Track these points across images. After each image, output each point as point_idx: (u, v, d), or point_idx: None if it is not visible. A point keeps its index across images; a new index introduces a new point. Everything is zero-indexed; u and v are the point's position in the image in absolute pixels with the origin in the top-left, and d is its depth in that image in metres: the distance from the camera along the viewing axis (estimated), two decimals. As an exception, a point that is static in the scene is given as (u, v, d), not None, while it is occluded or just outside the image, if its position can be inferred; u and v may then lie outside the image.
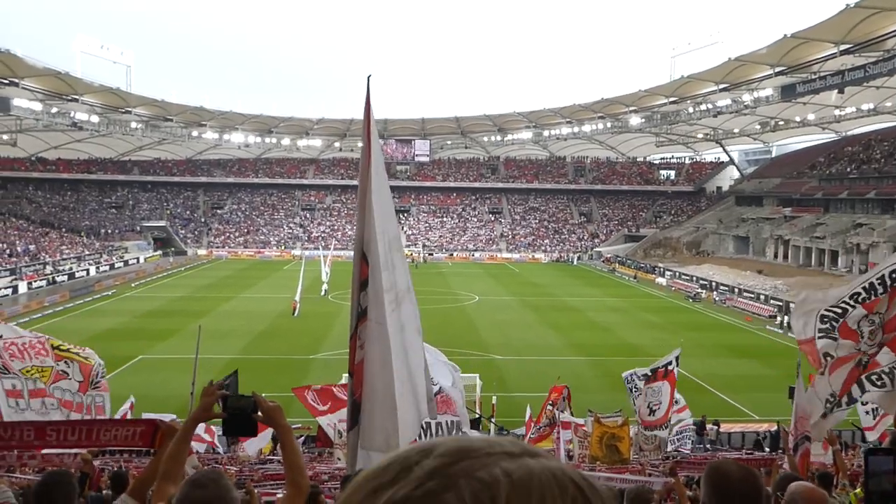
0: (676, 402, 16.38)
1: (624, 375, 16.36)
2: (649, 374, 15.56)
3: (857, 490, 6.36)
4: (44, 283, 53.83)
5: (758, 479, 2.45)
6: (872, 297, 8.42)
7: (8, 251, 59.22)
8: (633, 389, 15.82)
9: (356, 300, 4.20)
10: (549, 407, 17.17)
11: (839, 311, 8.60)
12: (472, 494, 0.68)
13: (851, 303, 8.57)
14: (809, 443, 9.18)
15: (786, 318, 42.62)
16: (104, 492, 7.31)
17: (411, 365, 4.36)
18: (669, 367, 15.34)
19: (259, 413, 2.85)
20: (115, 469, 9.65)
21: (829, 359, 8.43)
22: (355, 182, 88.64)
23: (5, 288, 49.57)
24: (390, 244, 4.25)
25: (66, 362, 12.00)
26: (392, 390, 4.11)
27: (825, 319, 8.67)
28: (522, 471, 0.71)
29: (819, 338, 8.63)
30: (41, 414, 11.15)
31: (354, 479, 0.77)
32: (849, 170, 66.79)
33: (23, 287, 51.18)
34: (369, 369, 4.09)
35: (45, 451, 9.38)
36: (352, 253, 4.61)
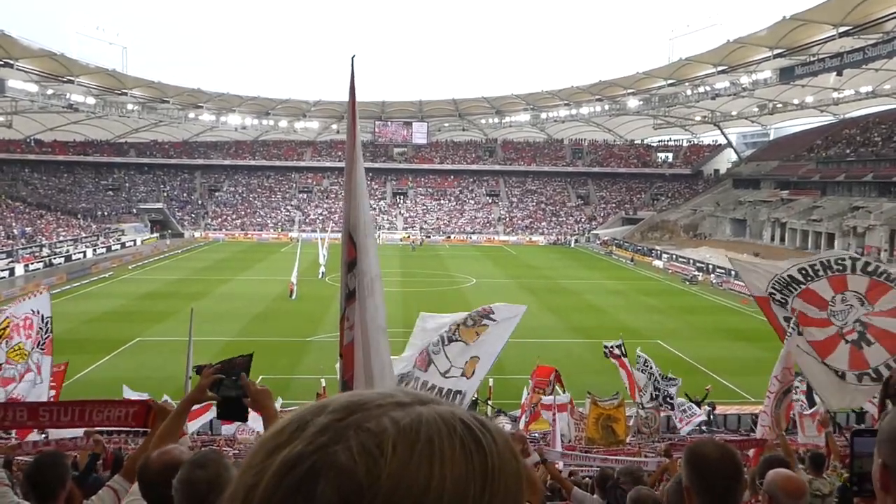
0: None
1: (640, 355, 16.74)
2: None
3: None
4: (40, 265, 53.78)
5: (735, 457, 2.47)
6: (811, 283, 9.47)
7: (4, 234, 59.12)
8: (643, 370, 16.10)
9: (344, 282, 4.21)
10: (536, 391, 17.20)
11: (785, 286, 9.62)
12: (359, 444, 0.71)
13: (794, 285, 9.61)
14: (789, 395, 9.51)
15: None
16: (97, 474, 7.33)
17: (383, 355, 4.39)
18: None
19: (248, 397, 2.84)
20: (113, 450, 9.68)
21: (790, 325, 9.36)
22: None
23: (2, 270, 49.55)
24: (366, 227, 4.26)
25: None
26: (374, 372, 4.14)
27: (776, 288, 9.67)
28: (410, 417, 0.74)
29: (773, 300, 9.63)
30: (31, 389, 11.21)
31: (257, 441, 0.78)
32: (846, 153, 66.74)
33: (20, 269, 51.13)
34: (357, 351, 4.11)
35: (58, 436, 9.39)
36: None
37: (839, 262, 9.33)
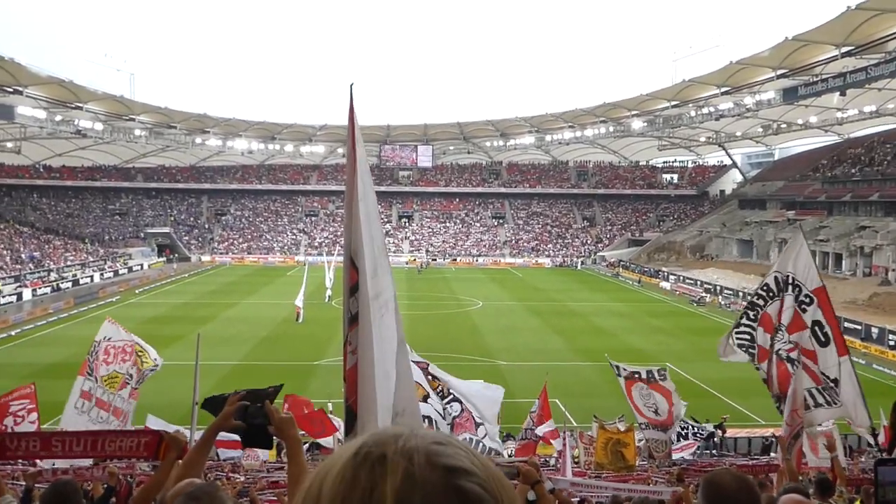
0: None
1: (611, 364, 16.67)
2: (631, 374, 15.98)
3: (858, 501, 6.30)
4: (48, 290, 53.91)
5: (753, 489, 2.44)
6: (770, 302, 10.24)
7: (13, 258, 59.37)
8: (619, 375, 16.18)
9: (346, 306, 4.27)
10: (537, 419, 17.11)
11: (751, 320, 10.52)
12: (469, 460, 0.82)
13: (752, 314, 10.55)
14: (799, 440, 9.29)
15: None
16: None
17: (390, 375, 4.41)
18: (651, 377, 15.56)
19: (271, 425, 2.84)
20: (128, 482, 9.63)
21: (794, 363, 9.84)
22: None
23: (10, 295, 49.68)
24: (377, 250, 4.29)
25: (137, 368, 12.45)
26: (379, 396, 4.18)
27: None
28: (432, 443, 0.83)
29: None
30: (95, 423, 11.31)
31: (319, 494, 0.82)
32: (852, 172, 66.69)
33: (27, 294, 51.27)
34: (361, 374, 4.13)
35: (75, 465, 9.34)
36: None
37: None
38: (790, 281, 9.82)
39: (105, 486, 5.19)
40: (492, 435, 12.16)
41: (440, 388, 11.84)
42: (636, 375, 15.71)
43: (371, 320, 4.29)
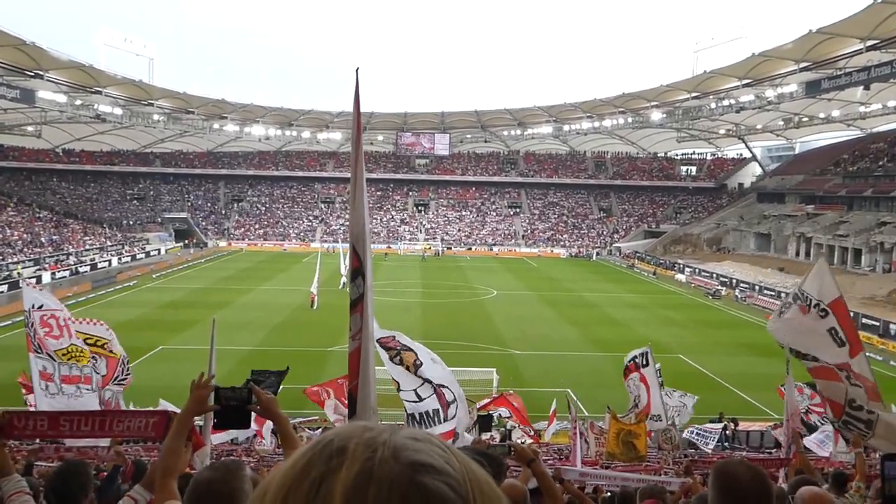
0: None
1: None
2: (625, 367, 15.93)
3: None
4: (67, 273, 54.46)
5: (767, 480, 2.37)
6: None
7: (32, 241, 60.00)
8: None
9: (350, 292, 4.29)
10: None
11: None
12: (432, 453, 0.77)
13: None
14: (801, 440, 9.16)
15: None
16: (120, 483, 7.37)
17: (371, 363, 4.45)
18: (637, 362, 15.58)
19: (255, 405, 2.83)
20: (134, 459, 9.72)
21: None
22: (373, 175, 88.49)
23: (29, 278, 50.18)
24: (366, 237, 4.31)
25: (94, 357, 11.83)
26: (369, 380, 4.22)
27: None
28: (406, 438, 0.79)
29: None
30: (74, 398, 10.65)
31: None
32: (874, 167, 65.91)
33: (46, 277, 51.82)
34: (362, 359, 4.16)
35: (79, 444, 9.37)
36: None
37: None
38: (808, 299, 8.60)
39: (112, 465, 5.23)
40: (461, 418, 11.50)
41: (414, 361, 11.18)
42: (634, 361, 15.79)
43: (369, 306, 4.32)
